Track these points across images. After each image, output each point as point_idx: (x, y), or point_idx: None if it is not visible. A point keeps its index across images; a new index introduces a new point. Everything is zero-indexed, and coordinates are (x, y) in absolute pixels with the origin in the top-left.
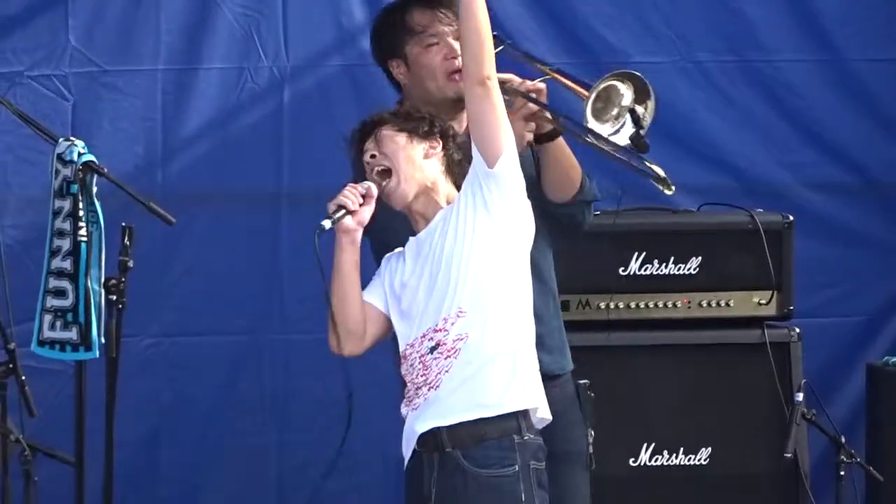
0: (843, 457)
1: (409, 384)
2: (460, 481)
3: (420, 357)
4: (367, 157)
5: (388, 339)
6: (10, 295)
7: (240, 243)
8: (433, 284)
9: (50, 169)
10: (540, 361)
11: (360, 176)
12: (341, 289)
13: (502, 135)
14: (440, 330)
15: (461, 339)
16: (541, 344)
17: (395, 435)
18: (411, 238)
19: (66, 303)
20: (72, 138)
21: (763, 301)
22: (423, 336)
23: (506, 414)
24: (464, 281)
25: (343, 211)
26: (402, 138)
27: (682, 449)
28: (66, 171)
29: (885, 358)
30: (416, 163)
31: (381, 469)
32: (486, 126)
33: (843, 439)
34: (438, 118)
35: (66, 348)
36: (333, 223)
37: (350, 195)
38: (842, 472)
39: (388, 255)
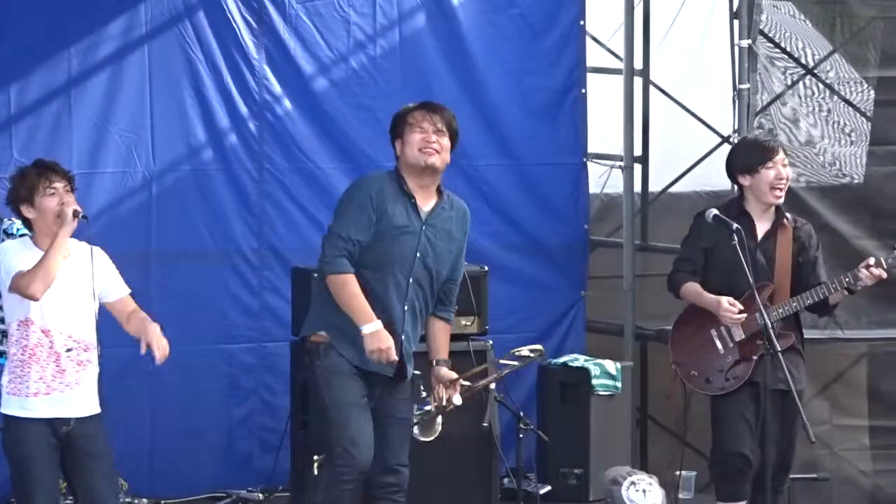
0: (521, 425)
1: None
2: None
3: None
4: None
5: None
6: None
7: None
8: None
9: None
10: None
11: None
12: None
13: None
14: None
15: None
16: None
17: None
18: None
19: None
20: (12, 219)
21: (468, 323)
22: None
23: None
24: None
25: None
26: None
27: None
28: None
29: (548, 360)
30: None
31: None
32: None
33: (521, 414)
34: None
35: None
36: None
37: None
38: (520, 435)
39: None
